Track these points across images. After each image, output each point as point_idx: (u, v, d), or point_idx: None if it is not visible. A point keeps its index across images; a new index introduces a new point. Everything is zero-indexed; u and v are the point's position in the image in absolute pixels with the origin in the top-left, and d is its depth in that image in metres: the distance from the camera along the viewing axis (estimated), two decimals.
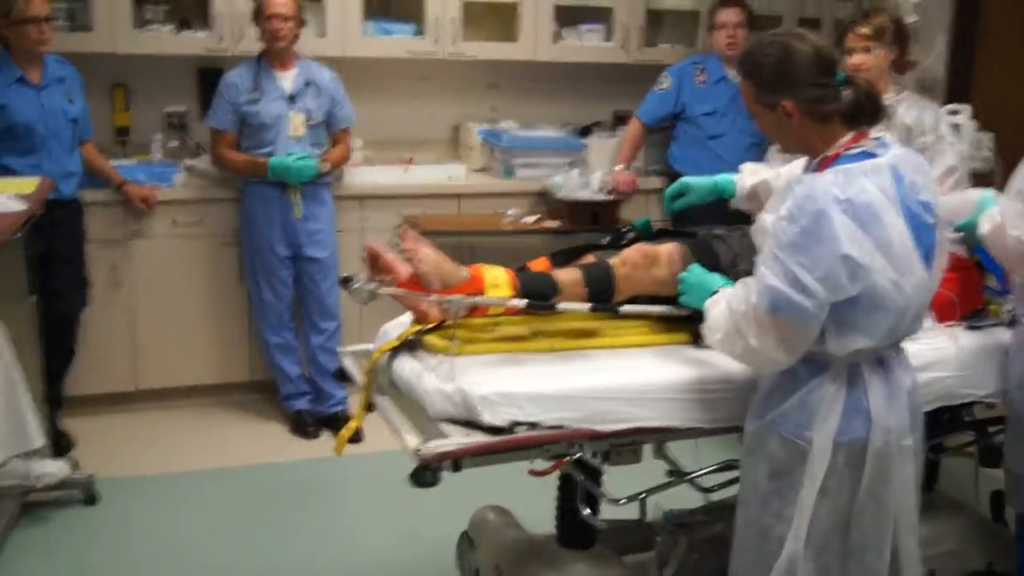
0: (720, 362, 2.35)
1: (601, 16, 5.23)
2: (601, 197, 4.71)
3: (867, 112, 2.17)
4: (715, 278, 2.30)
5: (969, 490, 3.18)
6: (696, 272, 2.35)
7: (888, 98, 3.61)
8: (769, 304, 2.06)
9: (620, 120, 5.43)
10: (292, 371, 4.52)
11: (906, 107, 3.60)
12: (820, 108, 2.14)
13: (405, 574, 3.37)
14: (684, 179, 2.87)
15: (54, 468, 3.53)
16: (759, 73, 2.19)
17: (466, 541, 3.11)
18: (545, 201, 4.87)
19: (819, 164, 2.17)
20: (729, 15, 4.63)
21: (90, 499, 3.75)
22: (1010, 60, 4.91)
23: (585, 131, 5.38)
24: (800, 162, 2.36)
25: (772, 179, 2.74)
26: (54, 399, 4.06)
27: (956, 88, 5.07)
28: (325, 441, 4.40)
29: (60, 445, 4.03)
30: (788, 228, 2.05)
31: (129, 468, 4.05)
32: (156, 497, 3.86)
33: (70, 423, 4.26)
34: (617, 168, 4.93)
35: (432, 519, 3.56)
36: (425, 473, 2.15)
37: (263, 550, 3.52)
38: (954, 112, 4.12)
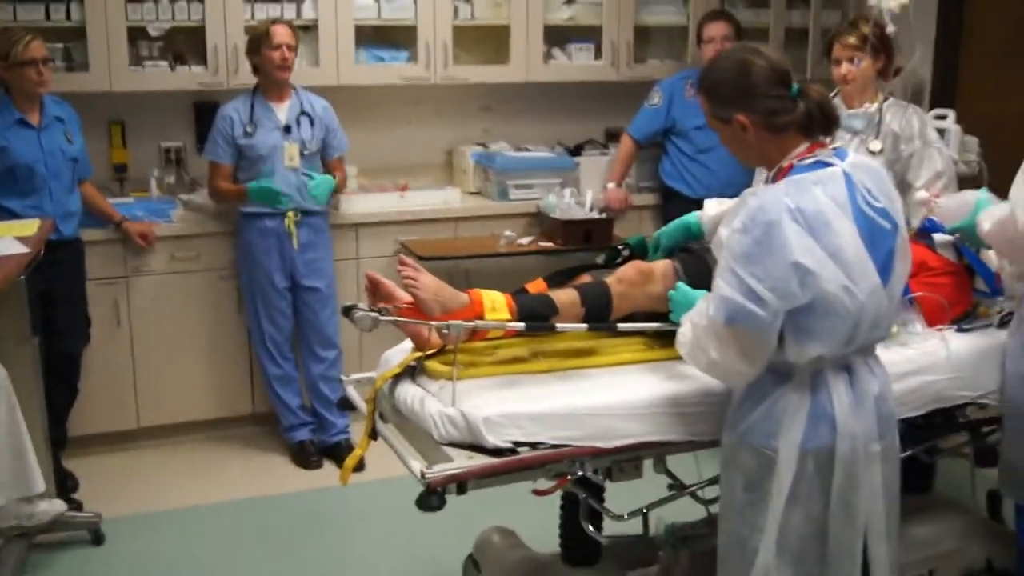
0: None
1: (590, 34, 5.27)
2: (594, 216, 4.75)
3: (820, 122, 2.21)
4: (699, 294, 2.32)
5: (966, 491, 3.23)
6: (682, 289, 2.38)
7: (874, 106, 3.68)
8: (726, 316, 2.10)
9: (612, 137, 5.47)
10: (293, 402, 4.54)
11: (892, 114, 3.67)
12: (775, 120, 2.18)
13: None
14: (655, 233, 2.87)
15: (47, 506, 3.52)
16: (714, 90, 2.24)
17: (472, 564, 3.14)
18: (539, 221, 4.91)
19: (775, 175, 2.21)
20: (716, 29, 4.68)
21: (97, 539, 3.75)
22: (993, 65, 4.96)
23: (577, 150, 5.42)
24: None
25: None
26: (58, 439, 4.06)
27: (941, 93, 5.12)
28: (328, 471, 4.41)
29: (65, 485, 4.01)
30: (741, 239, 2.09)
31: (135, 506, 4.06)
32: (163, 534, 3.88)
33: (74, 463, 4.26)
34: (609, 186, 4.99)
35: (437, 543, 3.59)
36: (431, 497, 2.17)
37: None
38: (940, 117, 4.17)
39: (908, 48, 3.72)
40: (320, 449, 4.52)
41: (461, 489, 2.23)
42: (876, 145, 3.62)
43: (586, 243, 4.62)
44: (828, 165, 2.19)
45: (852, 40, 3.59)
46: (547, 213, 4.80)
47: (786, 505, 2.22)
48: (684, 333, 2.25)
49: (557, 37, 5.25)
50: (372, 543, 3.81)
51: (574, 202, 4.80)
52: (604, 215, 4.81)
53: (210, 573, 3.61)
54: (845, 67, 3.62)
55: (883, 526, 2.30)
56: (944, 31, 5.13)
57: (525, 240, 4.73)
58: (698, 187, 4.74)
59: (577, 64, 5.27)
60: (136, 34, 4.56)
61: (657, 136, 4.97)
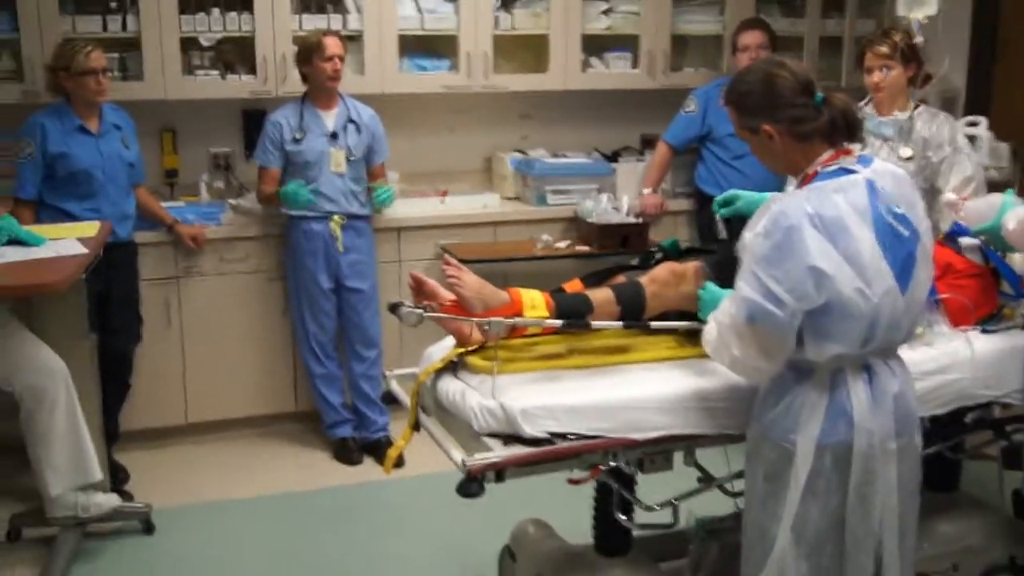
0: None
1: (627, 43, 5.38)
2: (630, 220, 4.85)
3: (843, 129, 2.29)
4: (726, 293, 2.39)
5: (994, 491, 3.27)
6: (710, 288, 2.47)
7: (905, 113, 3.77)
8: (747, 315, 2.20)
9: (648, 144, 5.56)
10: (335, 400, 4.67)
11: (923, 121, 3.75)
12: (800, 128, 2.27)
13: None
14: (735, 190, 2.95)
15: (102, 500, 3.68)
16: (742, 101, 2.34)
17: (508, 554, 3.24)
18: (576, 226, 5.01)
19: (801, 181, 2.31)
20: (751, 37, 4.76)
21: (148, 528, 3.91)
22: None
23: (614, 156, 5.52)
24: None
25: None
26: (110, 433, 4.22)
27: (976, 100, 5.18)
28: (368, 467, 4.56)
29: (116, 478, 4.18)
30: (763, 243, 2.19)
31: (183, 498, 4.21)
32: (210, 524, 4.02)
33: (125, 456, 4.42)
34: (645, 191, 5.09)
35: (474, 536, 3.71)
36: (471, 484, 2.28)
37: (314, 570, 3.68)
38: (972, 124, 4.23)
39: (939, 57, 3.80)
40: (361, 446, 4.65)
41: (499, 477, 2.33)
42: (906, 152, 3.70)
43: (622, 247, 4.72)
44: (851, 172, 2.27)
45: (883, 49, 3.67)
46: (584, 218, 4.91)
47: (804, 498, 2.30)
48: (710, 331, 2.35)
49: (595, 46, 5.36)
50: (412, 535, 3.94)
51: (610, 207, 4.90)
52: (640, 220, 4.90)
53: (256, 562, 3.74)
54: (877, 75, 3.72)
55: (897, 522, 2.36)
56: (978, 41, 5.19)
57: (562, 244, 4.84)
58: None
59: (614, 72, 5.38)
60: (188, 44, 4.72)
61: (693, 142, 5.06)
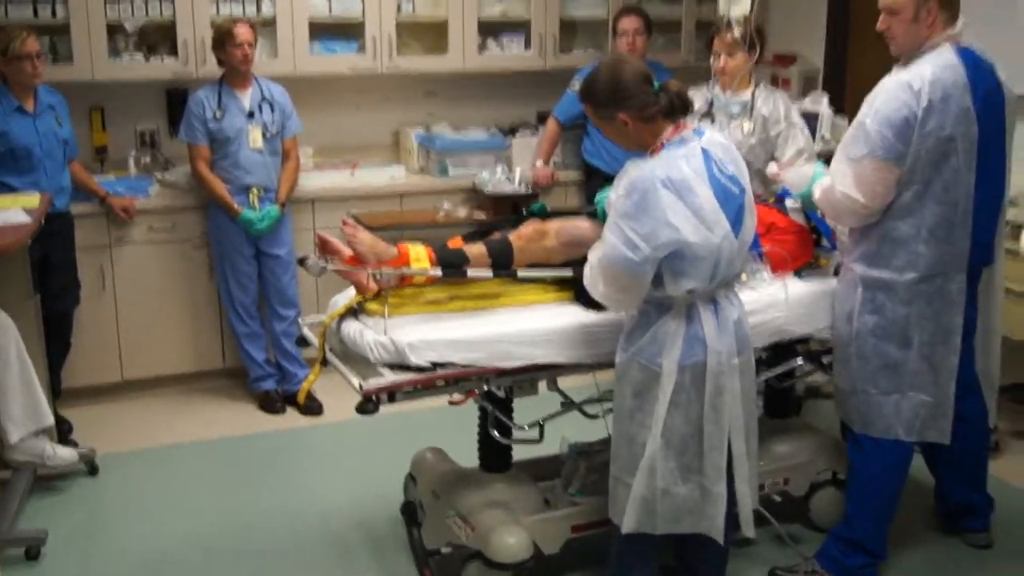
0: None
1: (520, 27, 5.85)
2: (522, 190, 5.33)
3: (680, 108, 2.80)
4: None
5: (834, 423, 3.85)
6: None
7: (747, 93, 4.31)
8: (609, 259, 2.71)
9: (543, 120, 5.97)
10: (259, 356, 5.11)
11: (762, 100, 4.28)
12: (647, 112, 2.76)
13: (363, 513, 3.98)
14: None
15: (66, 454, 4.10)
16: (595, 98, 2.82)
17: (410, 479, 3.74)
18: (475, 196, 5.49)
19: (650, 154, 2.80)
20: (629, 23, 5.23)
21: (92, 470, 4.32)
22: (874, 57, 5.58)
23: (512, 130, 6.00)
24: None
25: None
26: (54, 389, 4.59)
27: (833, 78, 5.76)
28: (291, 416, 5.00)
29: (61, 429, 4.53)
30: (624, 202, 2.69)
31: (124, 445, 4.61)
32: (150, 466, 4.44)
33: (67, 411, 4.79)
34: (537, 164, 5.57)
35: (384, 469, 4.15)
36: (367, 404, 2.79)
37: (241, 505, 4.10)
38: (816, 101, 4.80)
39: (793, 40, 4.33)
40: (283, 397, 5.10)
41: (391, 398, 2.86)
42: (748, 127, 4.23)
43: (514, 214, 5.13)
44: (690, 142, 2.77)
45: (728, 37, 4.19)
46: (481, 188, 5.38)
47: (669, 410, 2.81)
48: (587, 268, 2.84)
49: (490, 30, 5.81)
50: (327, 472, 4.40)
51: (504, 178, 5.38)
52: (531, 190, 5.39)
53: (189, 498, 4.16)
54: (723, 60, 4.24)
55: (743, 423, 2.89)
56: (834, 22, 5.76)
57: (461, 212, 5.30)
58: (614, 164, 5.16)
59: (509, 54, 5.85)
60: (114, 29, 5.09)
61: (580, 118, 5.43)
